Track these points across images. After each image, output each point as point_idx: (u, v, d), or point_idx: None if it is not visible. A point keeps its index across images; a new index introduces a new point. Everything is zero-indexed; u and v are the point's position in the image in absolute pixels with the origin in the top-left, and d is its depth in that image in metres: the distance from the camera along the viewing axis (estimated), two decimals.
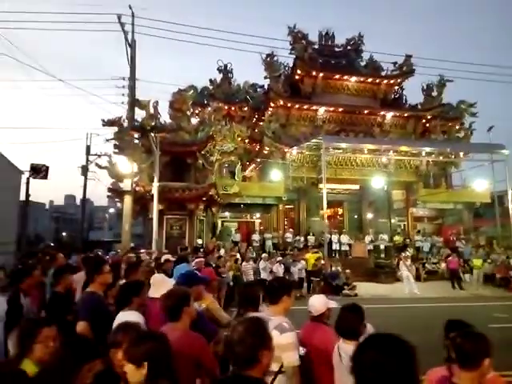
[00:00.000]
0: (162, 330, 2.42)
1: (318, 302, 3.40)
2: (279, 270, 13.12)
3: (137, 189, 14.47)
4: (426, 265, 17.94)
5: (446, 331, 2.39)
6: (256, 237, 19.07)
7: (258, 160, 21.62)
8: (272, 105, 21.43)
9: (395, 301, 12.69)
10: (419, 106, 23.14)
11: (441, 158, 19.90)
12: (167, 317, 2.62)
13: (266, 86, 22.71)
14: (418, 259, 18.13)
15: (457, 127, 22.46)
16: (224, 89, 22.10)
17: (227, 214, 21.76)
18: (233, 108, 21.47)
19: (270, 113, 21.30)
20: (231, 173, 19.57)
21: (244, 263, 12.68)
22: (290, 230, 20.08)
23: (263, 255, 13.56)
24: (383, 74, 23.40)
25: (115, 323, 2.70)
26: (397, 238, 20.39)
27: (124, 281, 4.34)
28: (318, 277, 14.34)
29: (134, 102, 15.25)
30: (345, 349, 2.67)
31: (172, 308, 2.60)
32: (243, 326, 1.77)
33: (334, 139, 18.77)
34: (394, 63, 23.03)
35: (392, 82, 22.80)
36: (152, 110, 15.47)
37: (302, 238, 19.28)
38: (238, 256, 14.08)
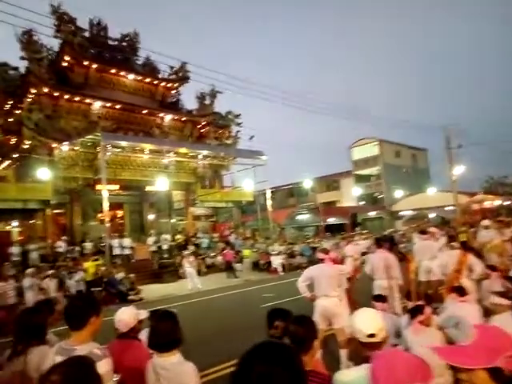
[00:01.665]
0: None
1: (127, 315, 2.85)
2: (51, 285, 11.07)
3: None
4: (206, 259, 19.24)
5: (270, 320, 2.38)
6: (15, 249, 15.58)
7: (16, 156, 17.76)
8: (33, 91, 18.00)
9: (180, 298, 12.91)
10: (194, 112, 24.61)
11: (215, 161, 21.78)
12: None
13: (22, 69, 18.95)
14: (199, 255, 19.19)
15: (226, 134, 25.13)
16: None
17: None
18: None
19: (30, 101, 17.84)
20: None
21: (1, 283, 10.02)
22: (63, 237, 17.43)
23: (28, 270, 11.08)
24: (160, 76, 23.65)
25: None
26: (178, 236, 20.99)
27: None
28: (99, 286, 13.00)
29: None
30: (162, 364, 2.28)
31: None
32: (61, 375, 1.15)
33: (114, 137, 17.52)
34: (171, 67, 23.64)
35: (170, 85, 23.33)
36: None
37: (77, 247, 17.13)
38: None
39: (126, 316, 2.80)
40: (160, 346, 2.23)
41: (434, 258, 7.54)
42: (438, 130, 27.16)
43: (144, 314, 3.04)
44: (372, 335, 1.74)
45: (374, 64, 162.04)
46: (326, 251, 5.13)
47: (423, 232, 9.06)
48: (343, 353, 4.87)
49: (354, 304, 6.36)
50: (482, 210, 27.77)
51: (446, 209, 30.28)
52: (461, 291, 4.68)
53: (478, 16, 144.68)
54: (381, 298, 5.23)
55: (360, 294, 6.80)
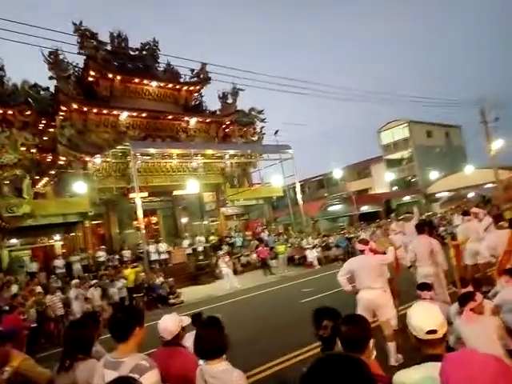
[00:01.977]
0: None
1: (172, 323, 2.84)
2: (95, 294, 11.47)
3: None
4: (241, 258, 19.33)
5: (317, 320, 2.27)
6: (59, 262, 16.24)
7: (53, 172, 18.52)
8: (63, 109, 18.70)
9: (220, 299, 13.01)
10: (218, 112, 24.72)
11: (242, 159, 21.81)
12: None
13: (52, 88, 19.72)
14: (234, 254, 19.31)
15: (251, 131, 25.08)
16: None
17: (15, 241, 17.80)
18: (10, 112, 17.61)
19: (62, 118, 18.50)
20: (17, 190, 15.94)
21: (49, 296, 10.50)
22: (102, 247, 18.04)
23: (73, 282, 11.55)
24: (182, 80, 23.91)
25: None
26: (212, 237, 21.21)
27: None
28: (141, 292, 13.35)
29: None
30: (210, 371, 2.24)
31: None
32: None
33: (142, 144, 17.93)
34: (192, 70, 23.85)
35: (192, 88, 23.54)
36: None
37: (117, 255, 17.68)
38: (40, 289, 11.63)
39: (169, 324, 2.79)
40: (207, 353, 2.20)
41: (479, 239, 7.15)
42: (472, 104, 25.89)
43: (187, 320, 3.03)
44: (432, 331, 1.60)
45: (398, 43, 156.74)
46: (365, 242, 4.96)
47: (465, 213, 8.62)
48: (391, 347, 4.69)
49: (398, 294, 6.14)
50: None
51: (486, 186, 28.85)
52: None
53: None
54: (426, 287, 5.00)
55: (402, 284, 6.56)
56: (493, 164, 25.79)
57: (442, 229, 17.04)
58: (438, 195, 34.52)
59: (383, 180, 39.85)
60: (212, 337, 2.19)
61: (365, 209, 32.86)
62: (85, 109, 19.27)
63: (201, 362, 2.42)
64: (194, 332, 3.47)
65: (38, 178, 18.80)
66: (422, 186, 36.89)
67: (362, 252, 4.87)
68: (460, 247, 6.31)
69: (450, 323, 4.55)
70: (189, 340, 3.11)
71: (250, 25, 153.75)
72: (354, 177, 42.37)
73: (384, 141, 40.96)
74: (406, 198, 36.21)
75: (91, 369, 2.48)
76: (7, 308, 7.76)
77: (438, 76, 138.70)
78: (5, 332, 2.96)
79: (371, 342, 1.81)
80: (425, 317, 1.66)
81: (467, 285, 4.39)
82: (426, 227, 6.65)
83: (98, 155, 18.00)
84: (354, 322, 1.86)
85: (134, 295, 13.02)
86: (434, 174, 36.64)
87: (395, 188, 39.61)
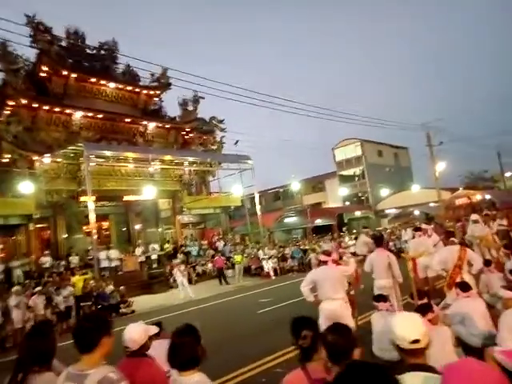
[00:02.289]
0: None
1: (137, 333, 2.69)
2: (39, 302, 10.66)
3: None
4: (197, 267, 18.96)
5: (296, 331, 2.25)
6: None
7: None
8: (10, 103, 17.51)
9: (173, 308, 12.62)
10: (178, 119, 24.37)
11: (201, 167, 21.58)
12: None
13: None
14: (189, 263, 18.91)
15: (211, 140, 24.94)
16: None
17: None
18: None
19: (8, 113, 17.31)
20: None
21: None
22: (47, 252, 16.90)
23: (13, 288, 10.66)
24: (142, 83, 23.34)
25: None
26: (167, 245, 20.65)
27: None
28: (89, 301, 12.61)
29: None
30: (182, 382, 2.14)
31: None
32: None
33: (97, 146, 17.17)
34: (152, 74, 23.36)
35: (152, 92, 23.06)
36: None
37: (63, 261, 16.64)
38: None
39: (135, 333, 2.64)
40: (182, 364, 2.09)
41: (429, 254, 7.58)
42: (419, 128, 27.71)
43: (154, 329, 2.88)
44: (416, 341, 1.65)
45: (353, 65, 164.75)
46: (328, 253, 5.06)
47: (418, 229, 9.11)
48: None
49: (355, 305, 6.31)
50: (464, 205, 28.36)
51: (430, 205, 30.79)
52: (465, 287, 4.68)
53: (452, 14, 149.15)
54: (382, 298, 5.19)
55: (359, 295, 6.75)
56: (436, 185, 27.65)
57: (391, 243, 17.88)
58: (386, 211, 36.26)
59: (336, 195, 41.26)
60: (188, 346, 2.09)
61: (318, 222, 33.71)
62: (35, 105, 18.18)
63: (173, 372, 2.30)
64: (160, 341, 3.33)
65: None
66: (373, 203, 38.62)
67: (324, 263, 4.95)
68: (416, 261, 6.62)
69: None
70: (155, 349, 2.96)
71: (218, 35, 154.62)
72: (309, 190, 43.47)
73: (338, 157, 42.53)
74: (358, 213, 37.70)
75: (49, 383, 2.28)
76: None
77: (393, 99, 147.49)
78: None
79: (357, 351, 1.82)
80: (408, 326, 1.70)
81: (423, 297, 4.61)
82: (383, 241, 6.93)
83: (47, 155, 16.98)
84: (339, 331, 1.87)
85: (82, 304, 12.26)
86: (384, 192, 38.53)
87: (347, 203, 41.12)
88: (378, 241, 6.54)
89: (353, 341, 1.83)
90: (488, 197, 28.73)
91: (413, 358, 1.67)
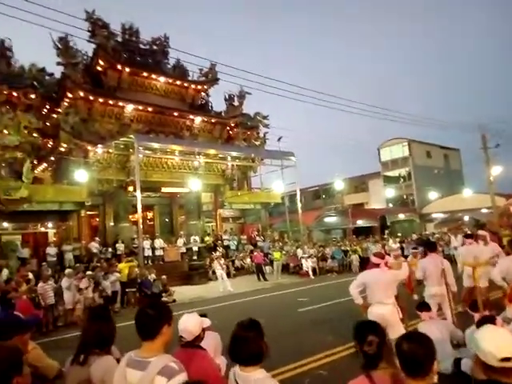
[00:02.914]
0: None
1: (193, 323, 2.70)
2: (88, 286, 11.21)
3: None
4: (235, 261, 19.15)
5: (360, 335, 2.13)
6: (51, 250, 15.97)
7: (53, 158, 18.26)
8: (69, 96, 18.51)
9: (213, 301, 12.81)
10: (223, 114, 24.63)
11: (244, 162, 21.70)
12: None
13: (57, 74, 19.54)
14: (228, 257, 19.13)
15: (255, 135, 25.00)
16: (1, 69, 17.68)
17: (7, 224, 17.42)
18: (15, 94, 17.36)
19: (67, 104, 18.32)
20: (16, 173, 15.64)
21: (40, 284, 10.21)
22: (96, 238, 17.77)
23: (66, 271, 11.29)
24: (190, 78, 23.82)
25: None
26: (207, 238, 21.01)
27: None
28: (134, 287, 13.11)
29: None
30: (245, 378, 2.08)
31: None
32: None
33: (147, 138, 17.74)
34: (200, 70, 23.78)
35: (199, 87, 23.46)
36: None
37: (110, 248, 17.43)
38: (31, 276, 11.37)
39: (191, 324, 2.66)
40: (244, 358, 2.04)
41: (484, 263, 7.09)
42: (471, 129, 26.13)
43: (207, 321, 2.89)
44: (507, 359, 1.49)
45: (405, 63, 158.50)
46: (381, 256, 4.86)
47: (469, 236, 8.56)
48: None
49: (405, 311, 6.04)
50: None
51: (482, 211, 29.01)
52: None
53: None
54: (425, 307, 4.91)
55: (410, 301, 6.46)
56: (491, 190, 25.93)
57: (439, 249, 17.02)
58: (433, 215, 34.65)
59: (380, 196, 39.99)
60: (252, 341, 2.03)
61: (360, 223, 32.87)
62: (91, 97, 19.09)
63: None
64: (209, 332, 3.34)
65: (37, 162, 18.53)
66: (418, 206, 37.04)
67: (377, 266, 4.76)
68: (477, 271, 6.21)
69: (464, 345, 4.46)
70: (206, 341, 2.97)
71: (269, 33, 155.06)
72: (351, 190, 42.46)
73: (383, 157, 41.17)
74: (401, 216, 36.32)
75: (108, 366, 2.33)
76: (14, 293, 7.55)
77: (447, 98, 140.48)
78: (29, 320, 2.80)
79: (435, 364, 1.68)
80: (499, 342, 1.54)
81: (477, 309, 4.30)
82: (436, 246, 6.58)
83: (100, 145, 17.79)
84: (419, 340, 1.72)
85: (127, 290, 12.78)
86: (431, 195, 36.81)
87: (391, 205, 39.75)
88: (431, 246, 6.20)
89: (433, 352, 1.69)
90: None
91: (503, 377, 1.51)
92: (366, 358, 2.02)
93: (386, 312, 4.63)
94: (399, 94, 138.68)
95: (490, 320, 3.54)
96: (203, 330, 2.81)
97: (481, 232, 8.64)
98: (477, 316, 4.17)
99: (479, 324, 3.67)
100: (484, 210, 28.37)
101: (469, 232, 10.81)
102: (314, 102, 16.37)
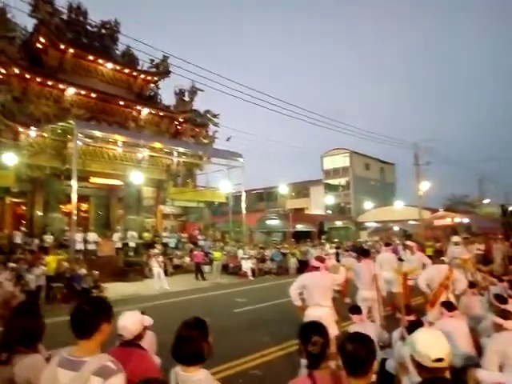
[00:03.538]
0: None
1: (132, 322, 2.59)
2: (8, 279, 10.27)
3: None
4: (174, 259, 18.73)
5: (305, 336, 2.18)
6: None
7: None
8: (2, 71, 16.91)
9: (148, 299, 12.41)
10: (172, 108, 24.01)
11: (190, 159, 21.33)
12: None
13: None
14: (166, 255, 18.65)
15: (203, 133, 24.67)
16: None
17: None
18: None
19: None
20: None
21: None
22: (21, 228, 16.37)
23: None
24: (140, 67, 22.94)
25: None
26: (146, 234, 20.33)
27: None
28: (61, 282, 12.28)
29: None
30: (186, 378, 2.04)
31: None
32: None
33: (88, 125, 16.74)
34: (152, 60, 22.97)
35: (149, 78, 22.68)
36: None
37: (37, 239, 16.16)
38: None
39: (131, 322, 2.54)
40: (186, 358, 1.99)
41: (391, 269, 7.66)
42: (407, 145, 28.23)
43: (149, 320, 2.79)
44: (440, 360, 1.61)
45: (352, 75, 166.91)
46: (321, 259, 5.03)
47: (387, 244, 9.54)
48: (332, 365, 4.78)
49: (339, 313, 6.32)
50: (443, 226, 29.06)
51: (410, 222, 31.38)
52: (450, 306, 4.73)
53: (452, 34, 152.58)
54: (357, 310, 5.21)
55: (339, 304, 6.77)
56: (419, 203, 28.18)
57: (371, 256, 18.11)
58: (367, 224, 36.76)
59: (320, 202, 41.59)
60: (195, 341, 1.99)
61: (299, 227, 33.87)
62: (27, 76, 17.59)
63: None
64: (148, 332, 3.22)
65: None
66: (354, 214, 39.09)
67: (317, 269, 4.93)
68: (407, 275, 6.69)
69: (389, 346, 4.77)
70: (145, 341, 2.86)
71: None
72: (293, 195, 43.69)
73: (326, 165, 42.94)
74: (338, 223, 38.09)
75: (35, 366, 2.16)
76: None
77: (385, 113, 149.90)
78: None
79: (375, 364, 1.77)
80: (433, 344, 1.66)
81: (411, 312, 4.64)
82: (369, 252, 6.97)
83: (34, 128, 16.45)
84: (362, 341, 1.80)
85: (53, 285, 11.93)
86: (366, 204, 39.04)
87: (329, 212, 41.52)
88: (365, 253, 6.58)
89: (373, 352, 1.78)
90: (466, 220, 29.54)
91: (433, 375, 1.62)
92: (309, 357, 2.07)
93: (322, 314, 4.80)
94: (350, 108, 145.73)
95: (419, 325, 3.83)
96: (144, 328, 2.71)
97: (409, 242, 9.38)
98: (404, 319, 4.48)
99: (409, 328, 3.96)
100: (412, 222, 30.70)
101: (388, 241, 11.94)
102: (263, 105, 16.58)
